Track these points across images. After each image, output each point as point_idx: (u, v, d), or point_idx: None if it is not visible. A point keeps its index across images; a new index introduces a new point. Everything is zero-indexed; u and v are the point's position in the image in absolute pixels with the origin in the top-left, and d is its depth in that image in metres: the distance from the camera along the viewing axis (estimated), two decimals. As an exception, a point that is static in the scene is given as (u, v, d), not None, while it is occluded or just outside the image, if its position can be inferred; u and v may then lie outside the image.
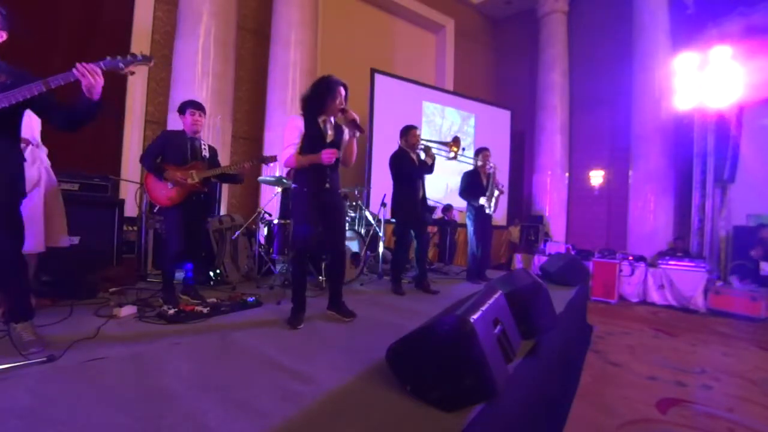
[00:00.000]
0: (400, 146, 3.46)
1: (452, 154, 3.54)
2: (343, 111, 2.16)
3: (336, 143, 2.24)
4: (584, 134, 8.84)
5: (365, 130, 2.25)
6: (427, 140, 3.55)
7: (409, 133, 3.42)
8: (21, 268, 1.63)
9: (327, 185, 2.21)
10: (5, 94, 1.46)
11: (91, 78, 1.53)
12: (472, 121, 8.84)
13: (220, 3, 5.38)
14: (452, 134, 8.46)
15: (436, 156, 3.46)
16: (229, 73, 5.59)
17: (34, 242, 2.17)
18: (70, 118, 1.64)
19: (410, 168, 3.36)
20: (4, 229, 1.54)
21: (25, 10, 4.58)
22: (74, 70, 1.52)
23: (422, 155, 3.45)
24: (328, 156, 2.09)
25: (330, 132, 2.23)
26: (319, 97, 2.16)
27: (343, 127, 2.28)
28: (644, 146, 7.09)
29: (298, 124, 2.17)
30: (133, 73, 1.72)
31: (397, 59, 8.70)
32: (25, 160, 1.67)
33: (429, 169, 3.42)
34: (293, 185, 2.26)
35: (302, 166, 2.18)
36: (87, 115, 1.63)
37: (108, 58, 1.64)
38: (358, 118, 2.19)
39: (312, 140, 2.16)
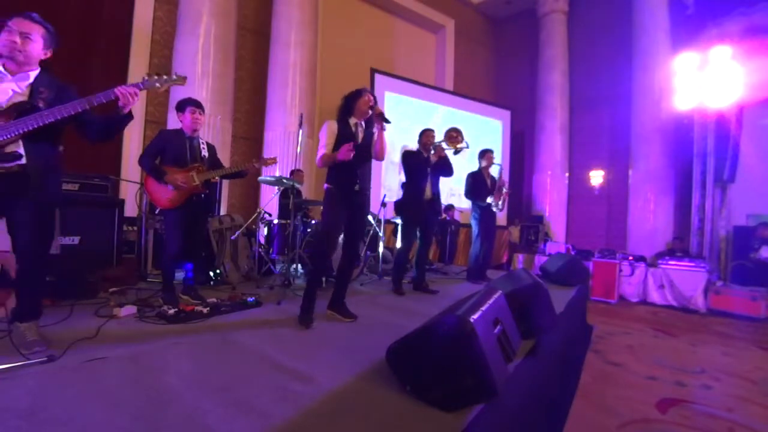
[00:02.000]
0: (417, 147, 3.53)
1: (453, 151, 3.53)
2: (372, 107, 2.31)
3: (366, 142, 2.36)
4: (584, 134, 8.84)
5: (391, 122, 2.38)
6: (438, 142, 3.57)
7: (424, 134, 3.50)
8: (45, 269, 1.71)
9: (357, 186, 2.30)
10: (52, 110, 1.54)
11: (131, 98, 1.70)
12: (472, 121, 8.84)
13: (220, 3, 5.37)
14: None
15: (446, 155, 3.48)
16: (229, 73, 5.58)
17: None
18: (105, 131, 1.78)
19: (418, 169, 3.39)
20: (40, 232, 1.62)
21: (26, 10, 4.55)
22: (116, 91, 1.66)
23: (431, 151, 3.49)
24: (342, 153, 2.18)
25: (361, 133, 2.36)
26: (348, 101, 2.34)
27: (373, 129, 2.40)
28: (644, 146, 7.10)
29: (332, 128, 2.30)
30: (167, 90, 1.90)
31: (397, 59, 8.70)
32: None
33: (439, 170, 3.43)
34: (325, 185, 2.34)
35: (329, 164, 2.29)
36: (120, 127, 1.79)
37: (146, 77, 1.81)
38: (384, 112, 2.35)
39: (344, 140, 2.28)
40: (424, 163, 3.41)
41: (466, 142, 3.55)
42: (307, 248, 3.64)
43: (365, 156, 2.37)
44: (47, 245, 1.69)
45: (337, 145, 2.28)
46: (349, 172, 2.27)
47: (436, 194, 3.50)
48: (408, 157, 3.45)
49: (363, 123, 2.39)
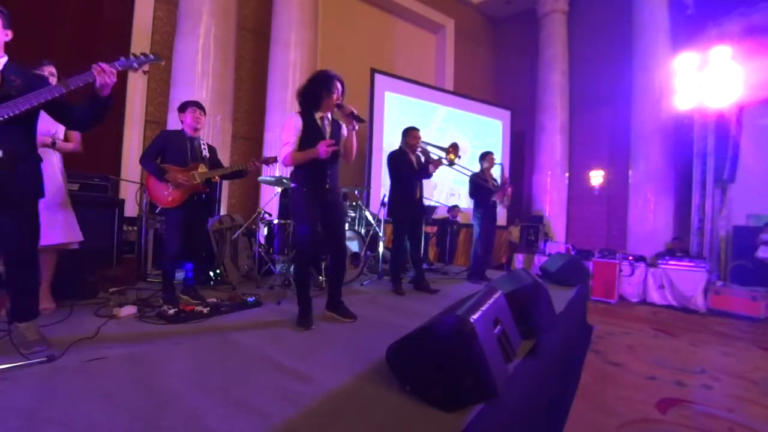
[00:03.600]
0: (400, 146, 3.47)
1: (446, 162, 3.47)
2: (339, 106, 2.14)
3: (334, 139, 2.20)
4: (584, 134, 8.84)
5: (366, 120, 2.23)
6: (426, 143, 3.55)
7: (409, 134, 3.43)
8: (35, 267, 1.64)
9: (327, 185, 2.19)
10: (26, 97, 1.47)
11: (107, 77, 1.56)
12: (472, 122, 8.84)
13: (220, 3, 5.38)
14: (451, 135, 8.50)
15: (431, 158, 3.47)
16: (229, 73, 5.59)
17: (69, 232, 2.21)
18: (86, 117, 1.67)
19: (407, 170, 3.37)
20: (22, 230, 1.57)
21: (26, 9, 4.59)
22: (93, 70, 1.54)
23: (422, 157, 3.47)
24: (324, 149, 2.02)
25: (328, 128, 2.21)
26: (314, 93, 2.14)
27: (341, 122, 2.27)
28: (644, 146, 7.10)
29: (295, 123, 2.13)
30: (146, 72, 1.82)
31: (397, 59, 8.71)
32: (41, 160, 1.68)
33: (426, 174, 3.42)
34: (292, 184, 2.22)
35: (300, 163, 2.13)
36: (102, 113, 1.67)
37: (122, 58, 1.69)
38: (355, 110, 2.18)
39: (310, 137, 2.12)
40: (411, 164, 3.38)
41: (459, 156, 3.53)
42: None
43: (334, 154, 2.16)
44: (35, 242, 1.63)
45: (303, 141, 2.12)
46: (319, 171, 2.14)
47: (422, 193, 3.50)
48: (394, 159, 3.40)
49: (329, 116, 2.23)
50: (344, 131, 2.26)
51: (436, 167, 3.39)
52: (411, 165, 3.39)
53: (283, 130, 2.15)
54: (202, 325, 2.11)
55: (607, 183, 8.36)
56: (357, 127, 2.21)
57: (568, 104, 8.89)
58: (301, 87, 2.19)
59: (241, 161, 5.75)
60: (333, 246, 2.32)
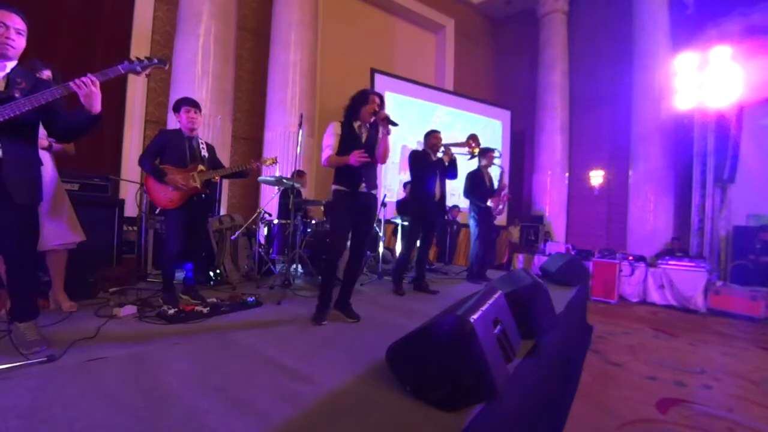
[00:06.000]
0: (423, 148, 3.57)
1: (469, 155, 3.56)
2: (375, 113, 2.34)
3: (370, 144, 2.37)
4: (584, 134, 8.85)
5: (398, 124, 2.39)
6: (447, 144, 3.58)
7: (431, 136, 3.53)
8: (33, 268, 1.66)
9: (362, 187, 2.33)
10: (28, 98, 1.48)
11: (88, 88, 1.55)
12: (472, 121, 8.84)
13: (220, 3, 5.38)
14: (451, 135, 8.49)
15: (456, 156, 3.53)
16: (229, 73, 5.59)
17: (75, 231, 2.24)
18: (70, 128, 1.66)
19: (428, 169, 3.42)
20: (22, 232, 1.58)
21: (25, 9, 4.55)
22: (71, 83, 1.54)
23: (440, 154, 3.51)
24: (354, 158, 2.22)
25: (365, 134, 2.38)
26: (354, 105, 2.38)
27: (378, 129, 2.41)
28: (644, 146, 7.10)
29: (335, 130, 2.36)
30: (148, 75, 1.81)
31: (397, 59, 8.71)
32: (42, 164, 1.69)
33: (447, 172, 3.49)
34: (333, 186, 2.36)
35: (336, 166, 2.35)
36: (87, 127, 1.64)
37: (126, 61, 1.68)
38: (390, 115, 2.36)
39: (348, 142, 2.32)
40: (434, 165, 3.43)
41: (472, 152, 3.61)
42: (306, 248, 3.64)
43: (368, 156, 2.36)
44: (34, 244, 1.64)
45: (342, 146, 2.31)
46: (354, 172, 2.30)
47: (443, 194, 3.54)
48: (416, 158, 3.47)
49: (367, 124, 2.41)
50: (380, 135, 2.42)
51: (450, 157, 3.44)
52: (432, 165, 3.45)
53: (324, 137, 2.41)
54: (202, 325, 2.11)
55: (607, 183, 8.37)
56: (390, 131, 2.37)
57: (568, 104, 8.89)
58: (346, 104, 2.44)
59: (241, 161, 5.76)
60: (355, 248, 2.43)
